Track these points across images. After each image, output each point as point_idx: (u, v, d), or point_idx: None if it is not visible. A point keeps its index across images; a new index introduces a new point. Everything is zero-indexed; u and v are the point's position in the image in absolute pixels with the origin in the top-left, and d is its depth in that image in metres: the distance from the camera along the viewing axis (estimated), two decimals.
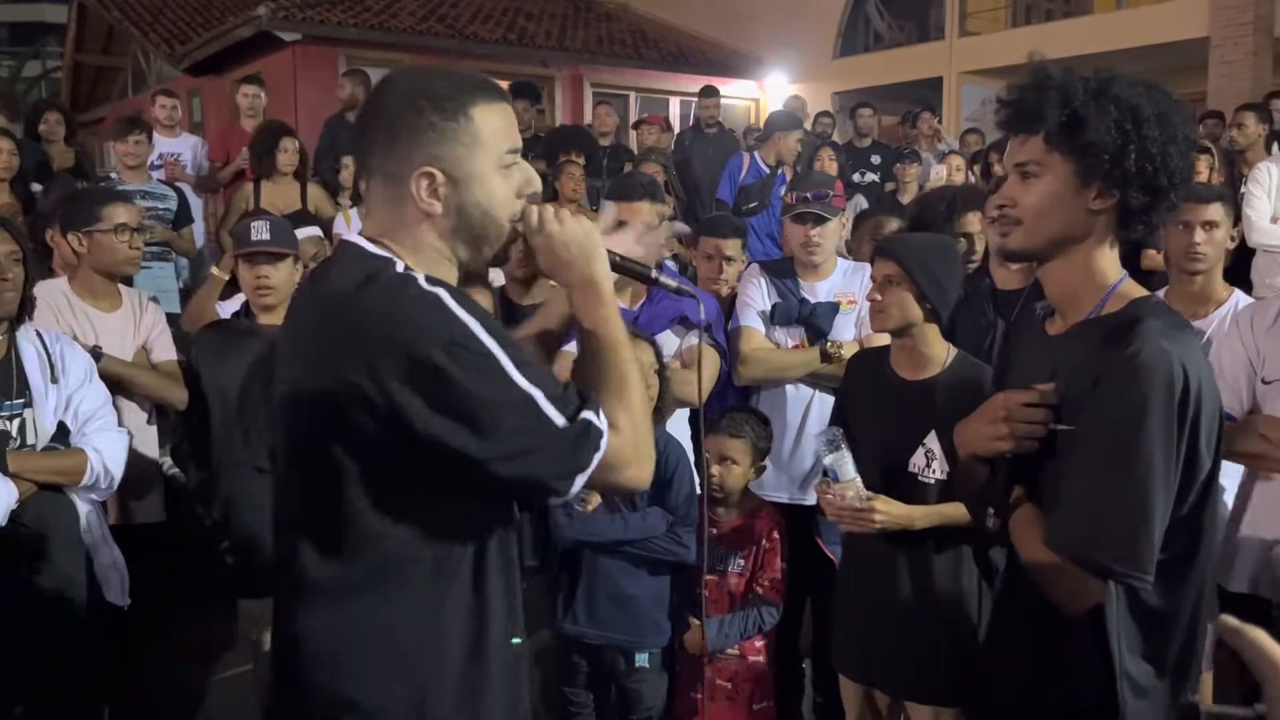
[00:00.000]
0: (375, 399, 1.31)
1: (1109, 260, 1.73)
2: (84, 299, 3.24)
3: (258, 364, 2.72)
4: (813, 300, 3.41)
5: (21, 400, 2.65)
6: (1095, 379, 1.61)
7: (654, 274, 1.71)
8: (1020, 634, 1.84)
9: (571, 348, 3.22)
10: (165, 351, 3.52)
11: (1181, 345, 1.60)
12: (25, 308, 2.71)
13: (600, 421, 1.38)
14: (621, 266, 1.62)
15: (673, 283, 1.76)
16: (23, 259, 2.68)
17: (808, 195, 3.44)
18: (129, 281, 3.51)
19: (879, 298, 2.59)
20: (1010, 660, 1.87)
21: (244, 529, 2.70)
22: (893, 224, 3.94)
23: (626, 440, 1.40)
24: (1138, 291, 1.73)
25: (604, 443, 1.37)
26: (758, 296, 3.45)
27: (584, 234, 1.51)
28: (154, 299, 3.63)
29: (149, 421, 3.32)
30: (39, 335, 2.77)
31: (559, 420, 1.34)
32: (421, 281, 1.37)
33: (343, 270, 1.42)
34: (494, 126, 1.46)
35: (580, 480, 1.37)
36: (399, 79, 1.50)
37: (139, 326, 3.44)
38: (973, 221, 3.49)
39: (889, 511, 2.52)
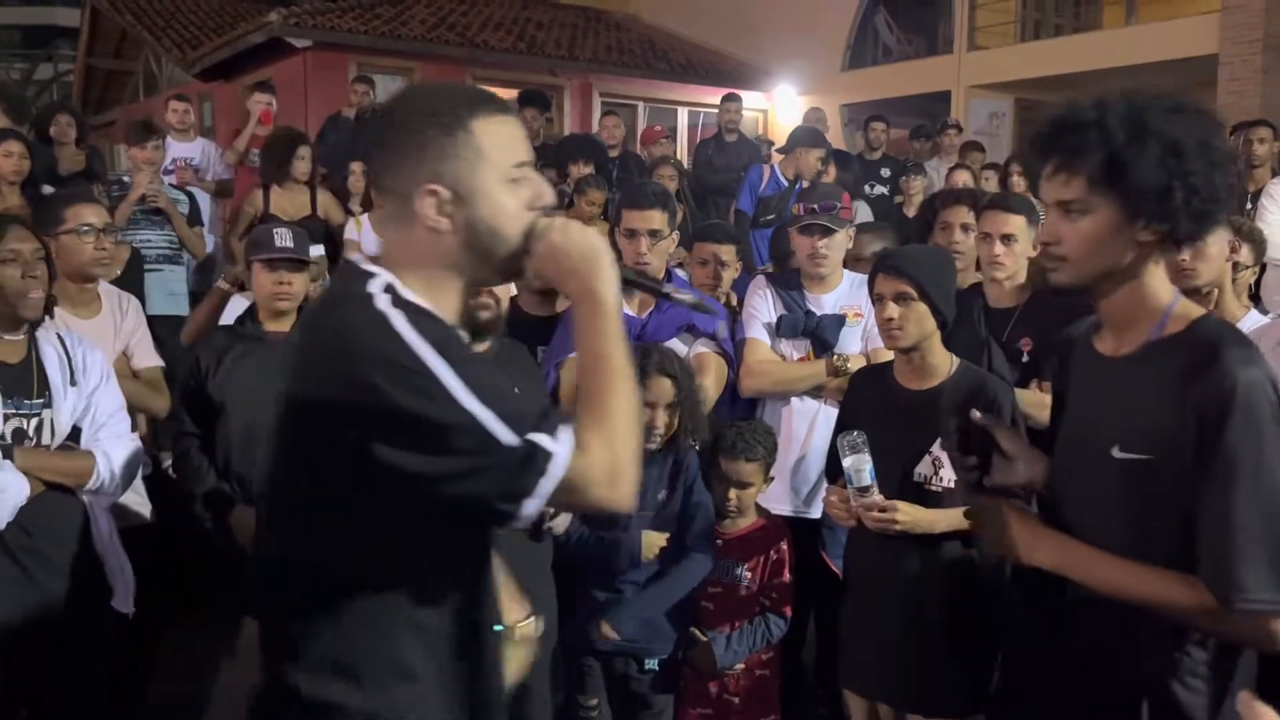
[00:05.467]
0: (330, 423, 1.33)
1: (1160, 281, 1.71)
2: (62, 306, 3.15)
3: None
4: (819, 312, 3.41)
5: (41, 400, 2.63)
6: (1196, 415, 1.57)
7: (666, 288, 1.70)
8: (1061, 666, 1.80)
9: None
10: (146, 357, 3.49)
11: (1262, 365, 1.60)
12: (47, 307, 2.70)
13: (554, 443, 1.33)
14: (634, 281, 1.58)
15: (688, 297, 1.73)
16: (45, 257, 2.68)
17: (815, 206, 3.44)
18: (136, 283, 3.50)
19: (894, 317, 2.58)
20: (1050, 691, 1.83)
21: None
22: (876, 244, 3.86)
23: (595, 461, 1.35)
24: (1195, 311, 1.70)
25: (554, 465, 1.32)
26: (763, 308, 3.44)
27: (589, 244, 1.47)
28: (138, 300, 3.61)
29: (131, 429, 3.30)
30: (59, 336, 2.76)
31: (507, 440, 1.31)
32: (378, 302, 1.36)
33: (329, 291, 1.46)
34: (497, 139, 1.44)
35: (530, 503, 1.33)
36: (400, 99, 1.50)
37: (119, 331, 3.41)
38: (961, 214, 3.76)
39: (911, 514, 2.52)
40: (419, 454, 1.30)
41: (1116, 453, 1.66)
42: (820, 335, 3.38)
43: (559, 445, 1.34)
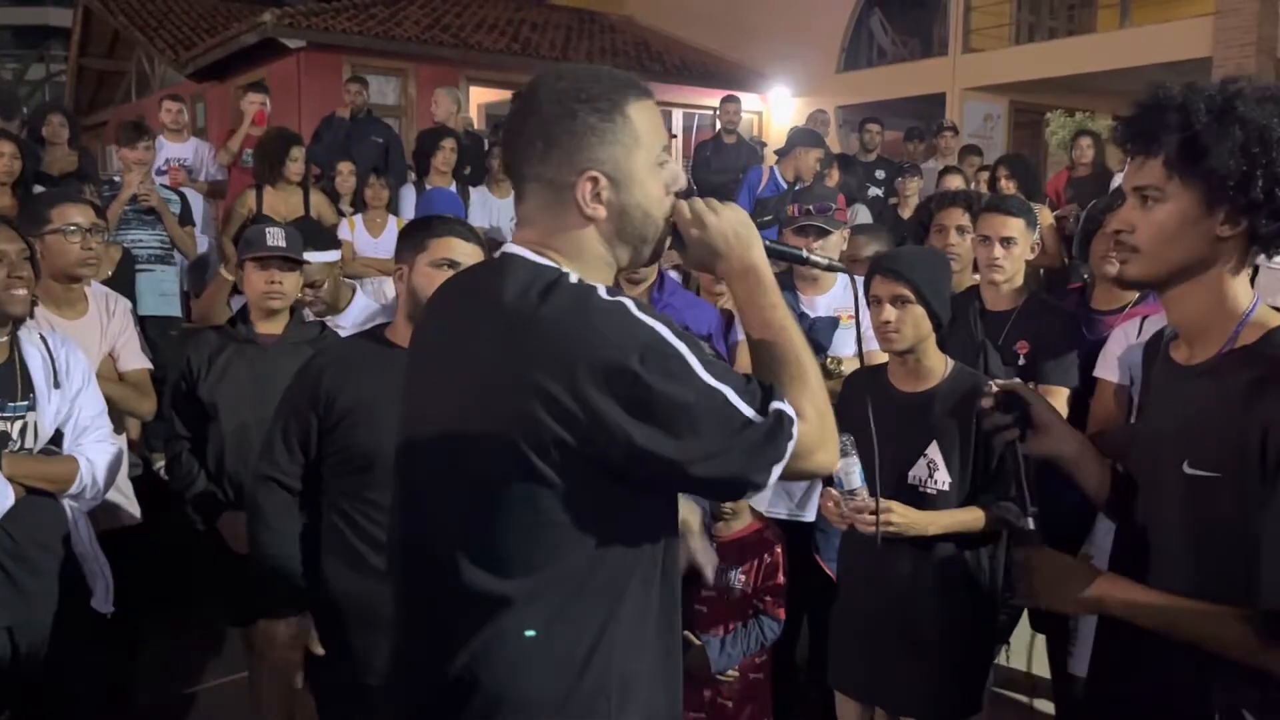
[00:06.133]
0: (573, 410, 1.30)
1: (1240, 286, 1.60)
2: (46, 306, 3.13)
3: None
4: (812, 315, 3.39)
5: (25, 403, 2.60)
6: (1262, 431, 1.48)
7: (805, 254, 1.69)
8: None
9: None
10: (133, 359, 3.44)
11: None
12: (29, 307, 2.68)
13: (788, 408, 1.36)
14: (774, 250, 1.58)
15: (823, 260, 1.72)
16: (30, 257, 2.66)
17: (810, 208, 3.43)
18: (128, 283, 3.46)
19: (890, 320, 2.57)
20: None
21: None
22: (871, 246, 3.83)
23: (812, 426, 1.39)
24: (1274, 319, 1.59)
25: (795, 429, 1.35)
26: None
27: (739, 221, 1.49)
28: (128, 301, 3.55)
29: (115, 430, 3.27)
30: (42, 337, 2.73)
31: (751, 414, 1.33)
32: (602, 292, 1.36)
33: (517, 282, 1.38)
34: (648, 124, 1.44)
35: (777, 470, 1.35)
36: (547, 83, 1.45)
37: (105, 332, 3.37)
38: (956, 216, 3.74)
39: (905, 515, 2.51)
40: (673, 436, 1.30)
41: (1187, 468, 1.57)
42: (813, 338, 3.36)
43: (791, 410, 1.36)
